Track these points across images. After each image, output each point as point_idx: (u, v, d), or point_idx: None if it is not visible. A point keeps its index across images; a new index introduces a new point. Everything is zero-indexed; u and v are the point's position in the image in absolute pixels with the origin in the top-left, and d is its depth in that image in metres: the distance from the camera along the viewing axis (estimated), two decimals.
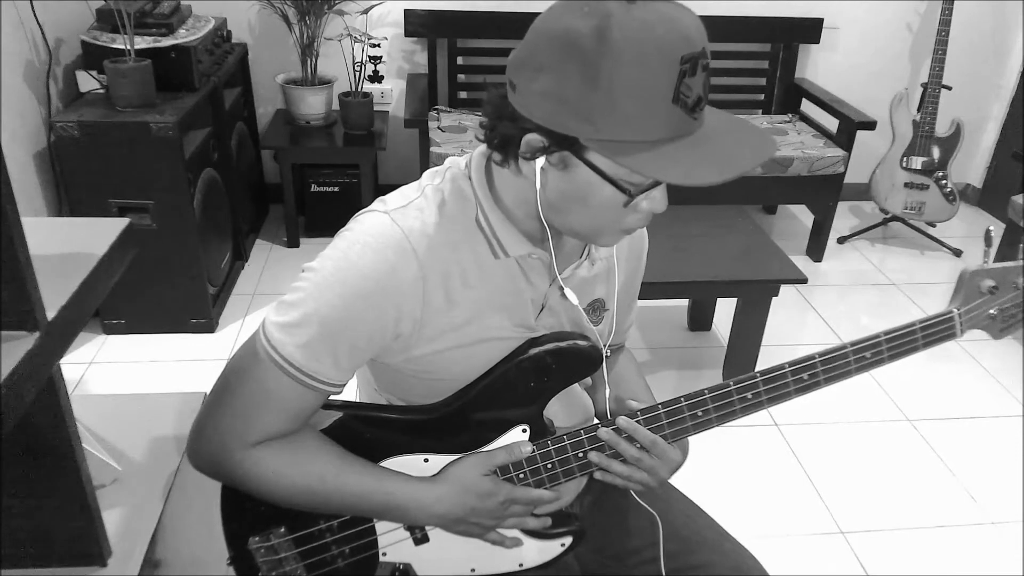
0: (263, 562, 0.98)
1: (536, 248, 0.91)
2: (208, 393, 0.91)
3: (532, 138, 0.79)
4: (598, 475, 0.98)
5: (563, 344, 0.93)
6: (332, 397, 0.91)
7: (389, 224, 0.86)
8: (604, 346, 0.99)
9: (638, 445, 0.94)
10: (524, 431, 0.95)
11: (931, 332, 0.97)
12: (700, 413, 0.94)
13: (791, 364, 0.93)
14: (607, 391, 1.00)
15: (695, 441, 1.00)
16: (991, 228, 1.00)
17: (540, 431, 0.96)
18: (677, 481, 1.17)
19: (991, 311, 0.99)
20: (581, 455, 0.96)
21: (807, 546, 1.89)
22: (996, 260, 1.00)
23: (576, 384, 0.97)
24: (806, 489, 2.07)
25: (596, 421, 0.97)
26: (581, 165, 0.79)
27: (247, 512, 0.96)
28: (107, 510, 1.00)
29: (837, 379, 0.95)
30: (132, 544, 1.02)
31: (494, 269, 0.90)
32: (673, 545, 1.08)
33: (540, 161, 0.81)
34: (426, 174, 0.94)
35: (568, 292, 0.94)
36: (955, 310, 0.98)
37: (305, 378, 0.85)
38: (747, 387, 0.93)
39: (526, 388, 0.93)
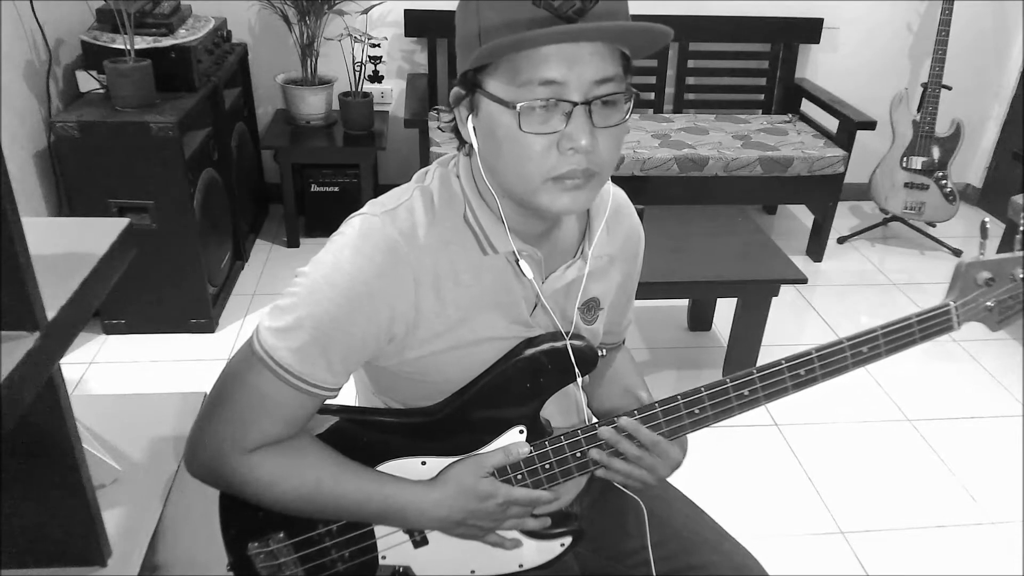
0: (263, 567, 0.98)
1: (526, 246, 0.91)
2: (204, 400, 0.91)
3: (454, 91, 0.85)
4: (599, 472, 0.97)
5: (558, 344, 0.92)
6: (328, 402, 0.91)
7: (379, 226, 0.86)
8: (598, 345, 0.99)
9: (638, 443, 0.94)
10: (521, 432, 0.95)
11: (928, 325, 0.96)
12: (697, 411, 0.93)
13: (787, 360, 0.93)
14: (604, 388, 0.99)
15: (695, 441, 1.00)
16: (986, 220, 1.00)
17: (537, 432, 0.95)
18: (677, 481, 1.17)
19: (988, 303, 0.98)
20: (579, 455, 0.95)
21: (807, 546, 1.89)
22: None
23: (572, 384, 0.96)
24: (806, 489, 2.07)
25: (595, 420, 0.96)
26: (485, 100, 0.81)
27: (246, 517, 0.96)
28: (107, 510, 1.00)
29: (834, 375, 0.94)
30: (132, 544, 1.01)
31: (484, 266, 0.90)
32: (673, 545, 1.08)
33: (471, 123, 0.84)
34: (416, 175, 0.94)
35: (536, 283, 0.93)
36: (951, 303, 0.97)
37: (299, 382, 0.85)
38: (744, 384, 0.93)
39: (522, 389, 0.93)
